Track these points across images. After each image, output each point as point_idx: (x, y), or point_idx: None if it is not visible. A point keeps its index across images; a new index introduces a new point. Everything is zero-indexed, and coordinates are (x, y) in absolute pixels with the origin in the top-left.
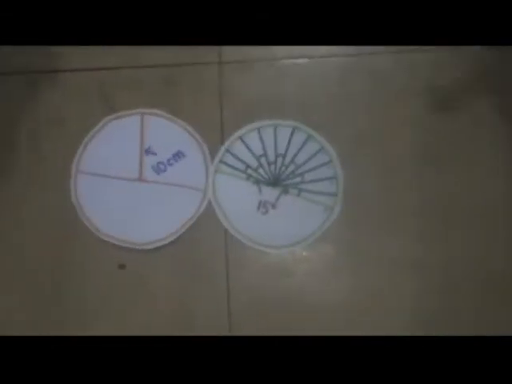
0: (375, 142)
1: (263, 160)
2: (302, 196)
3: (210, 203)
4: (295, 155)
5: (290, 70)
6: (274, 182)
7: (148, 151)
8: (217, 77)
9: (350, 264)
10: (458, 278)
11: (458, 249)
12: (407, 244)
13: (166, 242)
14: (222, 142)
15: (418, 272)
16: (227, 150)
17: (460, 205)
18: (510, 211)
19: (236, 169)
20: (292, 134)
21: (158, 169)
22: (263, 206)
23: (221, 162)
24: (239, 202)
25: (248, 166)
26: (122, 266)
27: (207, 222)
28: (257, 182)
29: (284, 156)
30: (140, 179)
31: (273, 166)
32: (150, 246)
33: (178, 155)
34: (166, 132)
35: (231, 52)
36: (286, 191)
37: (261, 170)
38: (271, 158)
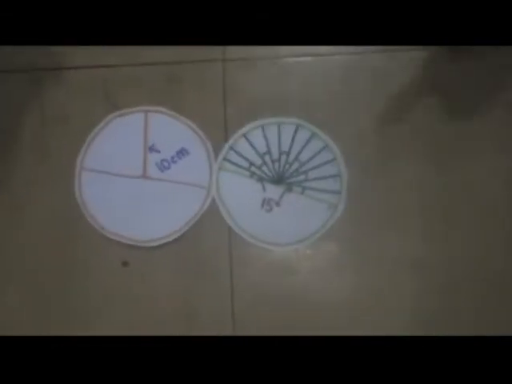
0: (379, 140)
1: (267, 158)
2: (306, 194)
3: (213, 201)
4: (299, 153)
5: (293, 68)
6: (278, 179)
7: (152, 148)
8: (221, 74)
9: (354, 262)
10: (458, 277)
11: (459, 249)
12: (410, 243)
13: (169, 239)
14: (226, 140)
15: (419, 272)
16: (231, 148)
17: (461, 205)
18: (510, 211)
19: (240, 166)
20: (296, 131)
21: (162, 166)
22: (267, 204)
23: (224, 159)
24: (243, 200)
25: (252, 164)
26: (125, 264)
27: (211, 219)
28: (261, 179)
29: (288, 154)
30: (144, 176)
31: (277, 164)
32: (153, 244)
33: (182, 152)
34: (170, 129)
35: (235, 50)
36: (289, 189)
37: (264, 168)
38: (275, 155)
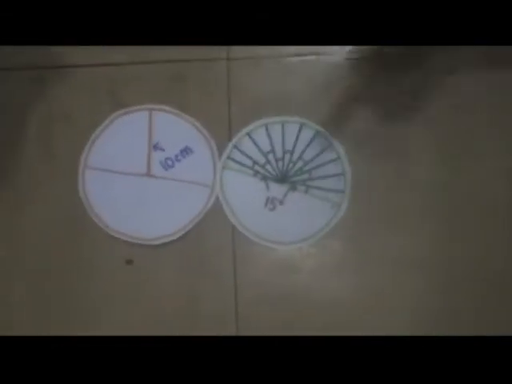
0: (382, 140)
1: (271, 156)
2: (310, 193)
3: (217, 199)
4: (303, 152)
5: (297, 67)
6: (282, 178)
7: (156, 147)
8: (225, 73)
9: (357, 261)
10: (458, 277)
11: (459, 249)
12: (413, 242)
13: (173, 237)
14: (230, 138)
15: (422, 271)
16: (235, 146)
17: (461, 205)
18: (510, 211)
19: (243, 165)
20: (300, 130)
21: (166, 164)
22: (271, 203)
23: (228, 158)
24: (247, 199)
25: (255, 163)
26: (129, 262)
27: (215, 218)
28: (264, 178)
29: (292, 152)
30: (148, 175)
31: (280, 163)
32: (157, 242)
33: (186, 151)
34: (174, 128)
35: (239, 49)
36: (293, 188)
37: (268, 167)
38: (279, 154)
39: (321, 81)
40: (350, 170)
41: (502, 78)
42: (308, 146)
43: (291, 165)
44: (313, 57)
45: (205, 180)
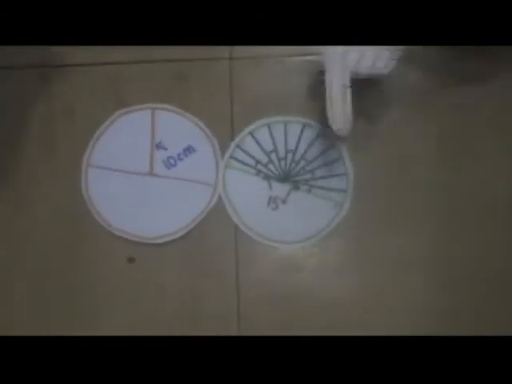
0: (385, 139)
1: (273, 156)
2: (313, 192)
3: (219, 198)
4: (305, 151)
5: (300, 66)
6: (284, 177)
7: (159, 146)
8: (227, 72)
9: (359, 261)
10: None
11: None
12: (415, 242)
13: (175, 236)
14: (232, 138)
15: (423, 271)
16: (237, 146)
17: (462, 205)
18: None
19: (246, 164)
20: (302, 130)
21: (169, 163)
22: (273, 202)
23: (231, 157)
24: (249, 198)
25: (258, 162)
26: (131, 260)
27: (217, 217)
28: (267, 177)
29: (294, 152)
30: (150, 173)
31: (283, 162)
32: (159, 241)
33: (189, 150)
34: (177, 127)
35: (242, 48)
36: (296, 187)
37: (271, 166)
38: (281, 153)
39: (323, 81)
40: (352, 170)
41: (502, 78)
42: (310, 145)
43: (294, 164)
44: (315, 56)
45: (207, 179)
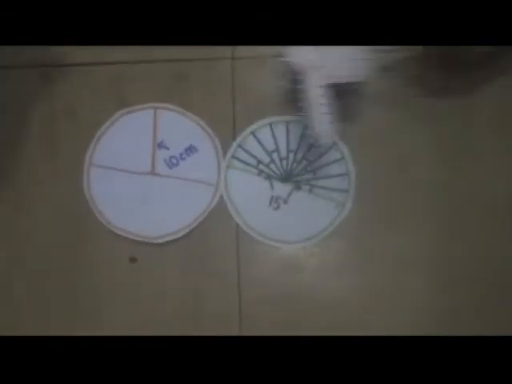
0: (388, 139)
1: (275, 155)
2: (314, 192)
3: (221, 198)
4: (307, 151)
5: None
6: (286, 177)
7: (161, 145)
8: (230, 72)
9: (361, 261)
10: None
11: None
12: (417, 242)
13: (177, 236)
14: (234, 137)
15: (424, 271)
16: (239, 145)
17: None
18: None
19: (248, 164)
20: (304, 130)
21: (171, 163)
22: (275, 202)
23: (233, 157)
24: (251, 197)
25: (260, 162)
26: (133, 260)
27: (219, 216)
28: (269, 177)
29: (296, 152)
30: (152, 173)
31: (285, 162)
32: (161, 240)
33: (191, 149)
34: (179, 126)
35: (244, 48)
36: (297, 187)
37: (273, 166)
38: (283, 153)
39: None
40: (354, 170)
41: (501, 78)
42: (312, 145)
43: (295, 164)
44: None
45: (209, 179)
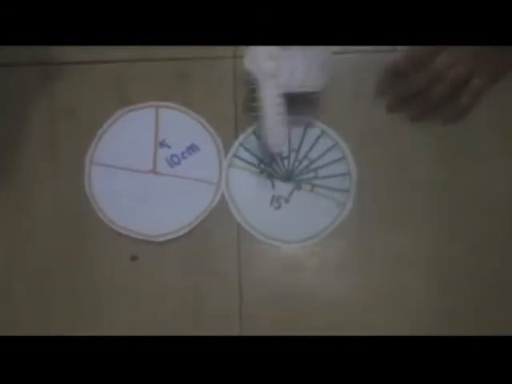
0: (389, 139)
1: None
2: (315, 191)
3: (223, 197)
4: (308, 151)
5: None
6: (287, 177)
7: (162, 144)
8: (231, 71)
9: (362, 260)
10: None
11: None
12: (417, 242)
13: (178, 234)
14: (236, 136)
15: (425, 271)
16: (241, 145)
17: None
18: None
19: (249, 163)
20: (305, 129)
21: (172, 161)
22: (276, 201)
23: (234, 156)
24: (252, 197)
25: (261, 161)
26: (134, 258)
27: (220, 215)
28: (270, 176)
29: (297, 151)
30: (154, 172)
31: (286, 161)
32: (162, 239)
33: (192, 148)
34: (181, 125)
35: (246, 47)
36: (299, 186)
37: (274, 165)
38: (284, 153)
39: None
40: (355, 170)
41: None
42: (314, 145)
43: (297, 163)
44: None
45: (210, 177)
